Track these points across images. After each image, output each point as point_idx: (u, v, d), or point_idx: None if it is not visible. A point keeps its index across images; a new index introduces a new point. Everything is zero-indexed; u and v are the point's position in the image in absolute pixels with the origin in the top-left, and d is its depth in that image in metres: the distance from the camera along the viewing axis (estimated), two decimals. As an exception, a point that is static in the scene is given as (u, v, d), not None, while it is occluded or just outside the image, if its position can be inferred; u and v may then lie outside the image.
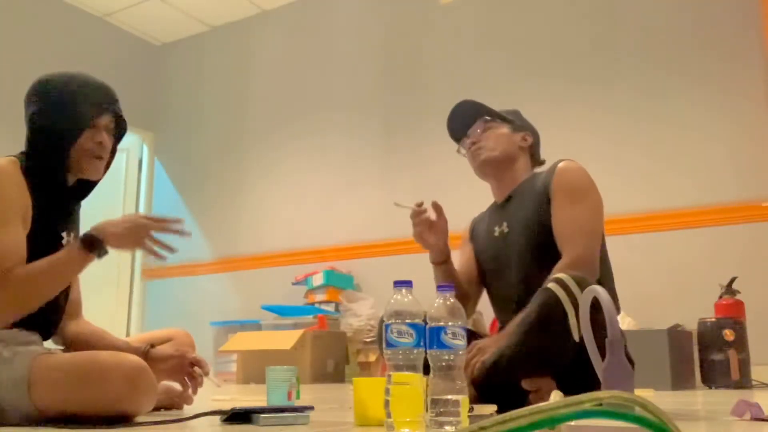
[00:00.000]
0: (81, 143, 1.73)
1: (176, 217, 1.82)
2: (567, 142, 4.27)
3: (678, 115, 4.04)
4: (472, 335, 1.92)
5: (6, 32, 5.18)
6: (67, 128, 1.71)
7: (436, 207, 1.99)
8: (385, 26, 5.22)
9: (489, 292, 2.13)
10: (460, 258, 2.17)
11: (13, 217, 1.62)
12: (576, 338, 1.61)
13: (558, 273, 1.75)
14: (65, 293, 1.81)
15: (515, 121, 2.13)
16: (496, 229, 2.06)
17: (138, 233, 1.72)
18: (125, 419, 1.54)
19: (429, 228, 1.99)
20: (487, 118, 2.11)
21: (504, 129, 2.10)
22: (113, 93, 1.81)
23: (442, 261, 2.04)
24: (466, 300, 2.09)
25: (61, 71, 1.79)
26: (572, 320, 1.61)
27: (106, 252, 1.68)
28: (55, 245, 1.72)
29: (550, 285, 1.67)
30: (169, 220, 1.78)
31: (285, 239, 5.27)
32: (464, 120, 2.14)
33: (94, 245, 1.66)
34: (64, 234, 1.77)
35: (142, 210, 5.98)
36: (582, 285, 1.61)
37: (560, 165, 1.98)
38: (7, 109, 4.62)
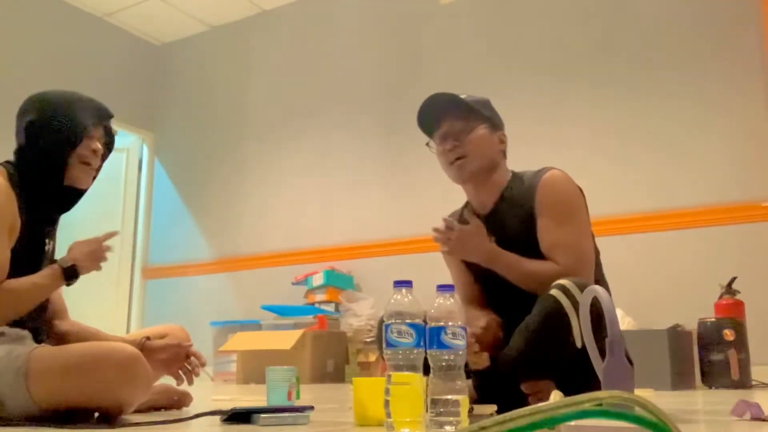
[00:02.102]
0: (78, 151, 1.78)
1: (109, 232, 1.91)
2: (567, 143, 4.27)
3: (678, 116, 4.04)
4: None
5: (6, 32, 5.18)
6: (67, 135, 1.76)
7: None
8: (386, 26, 5.22)
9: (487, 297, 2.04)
10: (456, 277, 2.05)
11: (1, 232, 1.65)
12: (578, 345, 1.60)
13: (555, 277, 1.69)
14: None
15: (492, 118, 1.98)
16: None
17: (97, 257, 1.82)
18: (121, 412, 1.54)
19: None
20: (465, 114, 1.93)
21: (483, 129, 1.94)
22: (108, 109, 1.88)
23: None
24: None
25: (58, 89, 1.86)
26: (575, 328, 1.60)
27: (77, 280, 1.79)
28: (40, 253, 1.78)
29: (553, 291, 1.64)
30: (107, 237, 1.89)
31: (285, 239, 5.27)
32: (437, 112, 1.96)
33: (72, 275, 1.75)
34: (47, 240, 1.81)
35: (142, 209, 5.98)
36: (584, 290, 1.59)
37: (545, 177, 1.87)
38: (7, 109, 4.60)
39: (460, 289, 2.03)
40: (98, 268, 1.83)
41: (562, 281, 1.66)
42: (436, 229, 1.89)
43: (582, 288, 1.61)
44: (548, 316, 1.64)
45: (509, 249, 1.85)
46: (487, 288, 1.97)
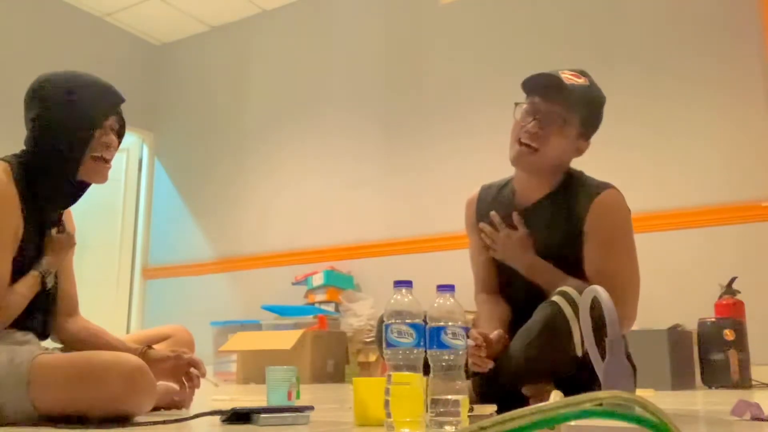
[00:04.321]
0: (91, 147, 1.71)
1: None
2: (567, 142, 4.27)
3: (677, 115, 4.04)
4: None
5: (6, 32, 5.18)
6: (78, 132, 1.69)
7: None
8: (385, 26, 5.22)
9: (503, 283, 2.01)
10: (473, 244, 2.03)
11: (4, 242, 1.63)
12: (579, 354, 1.60)
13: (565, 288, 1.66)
14: (48, 293, 1.79)
15: (588, 124, 1.88)
16: None
17: (64, 250, 1.80)
18: (124, 419, 1.54)
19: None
20: (568, 109, 1.80)
21: (570, 133, 1.84)
22: (118, 93, 1.79)
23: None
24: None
25: (60, 71, 1.76)
26: (576, 337, 1.59)
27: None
28: (39, 249, 1.75)
29: (555, 298, 1.63)
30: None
31: (285, 239, 5.27)
32: (548, 85, 1.83)
33: (47, 281, 1.74)
34: (52, 232, 1.79)
35: (142, 209, 5.98)
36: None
37: (603, 197, 1.82)
38: (7, 109, 4.61)
39: (475, 266, 2.02)
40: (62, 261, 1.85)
41: (564, 288, 1.65)
42: (484, 227, 1.90)
43: None
44: (549, 323, 1.63)
45: (540, 247, 1.84)
46: (504, 273, 1.95)
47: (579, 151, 1.90)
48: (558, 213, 1.85)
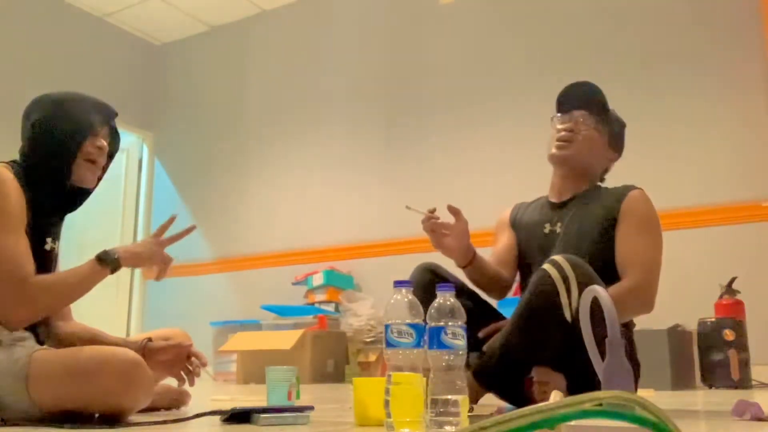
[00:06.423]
0: (83, 148, 1.78)
1: (170, 217, 1.96)
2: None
3: (678, 115, 4.04)
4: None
5: (6, 32, 5.18)
6: (72, 133, 1.76)
7: (452, 210, 1.92)
8: (386, 26, 5.22)
9: (522, 283, 2.11)
10: (498, 242, 2.17)
11: (18, 225, 1.65)
12: (568, 318, 1.61)
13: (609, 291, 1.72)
14: None
15: (617, 139, 2.12)
16: (547, 226, 2.03)
17: (152, 251, 1.89)
18: (122, 417, 1.54)
19: (445, 232, 1.91)
20: (598, 116, 2.07)
21: (602, 139, 2.07)
22: (112, 108, 1.89)
23: (469, 262, 1.98)
24: (507, 288, 2.12)
25: (59, 90, 1.87)
26: (564, 299, 1.61)
27: (119, 268, 1.79)
28: (41, 252, 1.75)
29: (545, 266, 1.68)
30: (167, 224, 1.93)
31: (285, 239, 5.27)
32: (579, 98, 2.09)
33: (109, 262, 1.75)
34: (48, 240, 1.79)
35: (142, 209, 5.99)
36: (576, 267, 1.63)
37: (633, 192, 1.98)
38: (7, 109, 4.60)
39: (495, 252, 2.16)
40: (153, 261, 1.90)
41: (555, 257, 1.68)
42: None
43: (574, 264, 1.63)
44: (536, 286, 1.66)
45: (575, 237, 1.93)
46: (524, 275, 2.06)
47: (609, 161, 2.13)
48: (591, 204, 1.98)
